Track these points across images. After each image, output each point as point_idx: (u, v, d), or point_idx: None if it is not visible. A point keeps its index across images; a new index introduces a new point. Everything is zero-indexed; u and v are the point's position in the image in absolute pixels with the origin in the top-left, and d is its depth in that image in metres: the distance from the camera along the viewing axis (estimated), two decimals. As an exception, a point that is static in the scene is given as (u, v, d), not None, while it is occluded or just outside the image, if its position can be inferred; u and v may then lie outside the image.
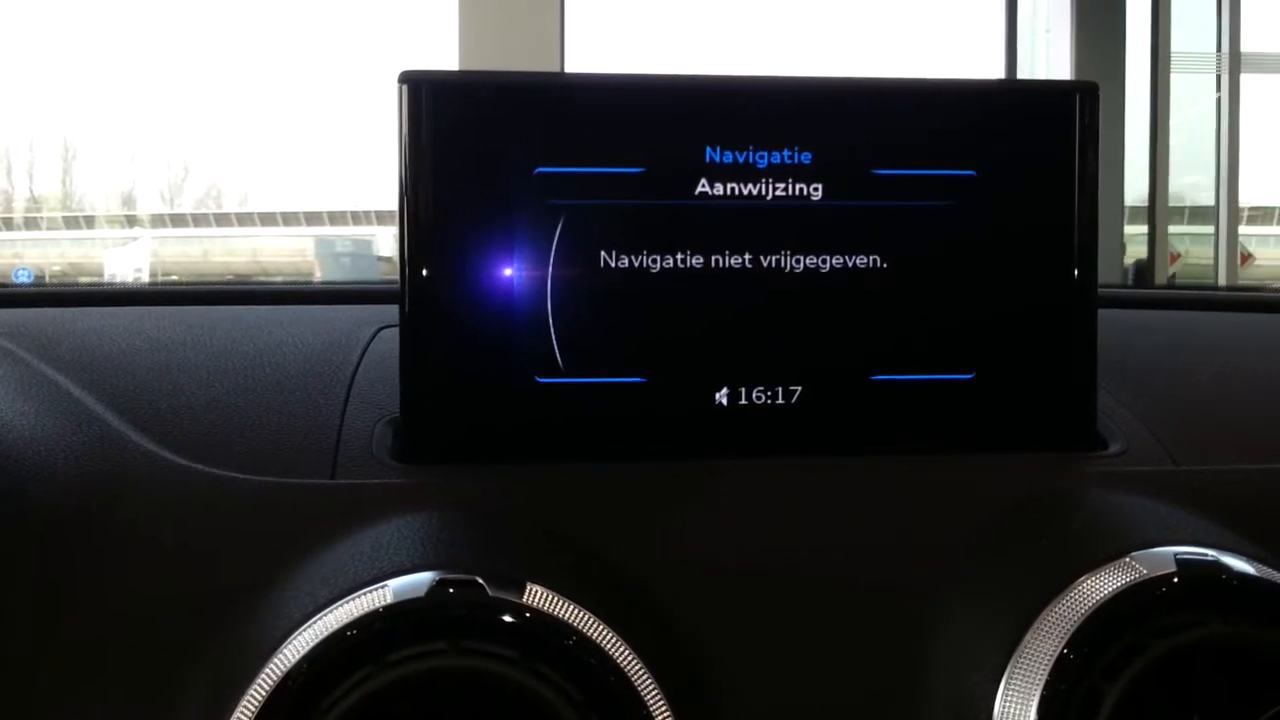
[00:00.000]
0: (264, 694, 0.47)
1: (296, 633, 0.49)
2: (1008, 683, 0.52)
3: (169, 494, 0.56)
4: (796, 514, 0.58)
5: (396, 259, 0.58)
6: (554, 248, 0.58)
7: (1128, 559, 0.54)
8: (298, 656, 0.48)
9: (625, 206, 0.58)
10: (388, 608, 0.48)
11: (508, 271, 0.58)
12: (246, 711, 0.47)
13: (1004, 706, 0.52)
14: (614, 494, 0.58)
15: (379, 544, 0.53)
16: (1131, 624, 0.51)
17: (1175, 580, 0.52)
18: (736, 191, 0.59)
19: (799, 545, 0.57)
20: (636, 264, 0.58)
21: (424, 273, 0.57)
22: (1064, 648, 0.51)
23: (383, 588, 0.49)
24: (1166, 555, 0.54)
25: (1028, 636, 0.52)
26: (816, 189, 0.59)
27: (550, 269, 0.58)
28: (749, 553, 0.57)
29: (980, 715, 0.52)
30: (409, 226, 0.57)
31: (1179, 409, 0.67)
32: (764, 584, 0.56)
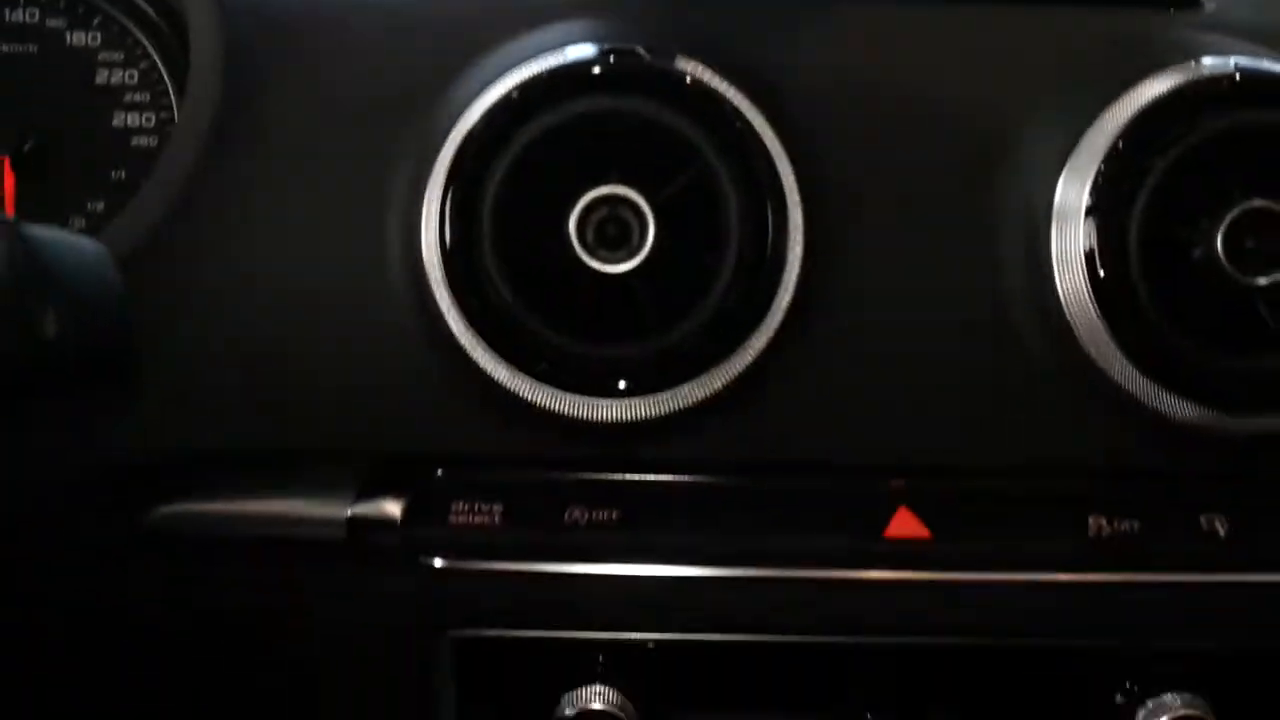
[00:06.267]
0: (474, 120, 0.59)
1: (496, 82, 0.60)
2: (1069, 172, 0.60)
3: None
4: (907, 45, 0.65)
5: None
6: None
7: (1191, 63, 0.60)
8: (502, 92, 0.59)
9: None
10: (566, 65, 0.59)
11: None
12: (455, 139, 0.58)
13: (1065, 194, 0.60)
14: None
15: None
16: (1186, 114, 0.58)
17: (1235, 79, 0.58)
18: None
19: (908, 69, 0.64)
20: None
21: None
22: (1118, 138, 0.59)
23: (560, 53, 0.60)
24: (1228, 64, 0.59)
25: (1090, 132, 0.60)
26: None
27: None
28: (863, 80, 0.64)
29: (1045, 200, 0.61)
30: None
31: None
32: (875, 104, 0.64)
